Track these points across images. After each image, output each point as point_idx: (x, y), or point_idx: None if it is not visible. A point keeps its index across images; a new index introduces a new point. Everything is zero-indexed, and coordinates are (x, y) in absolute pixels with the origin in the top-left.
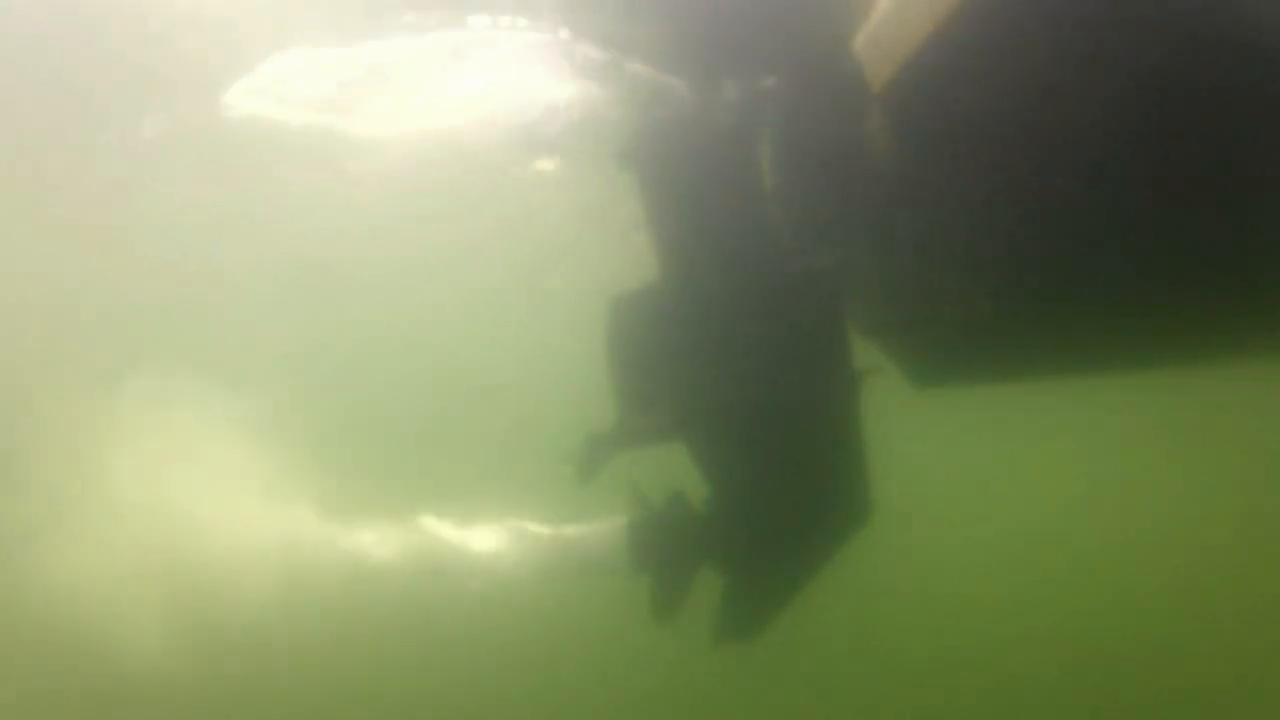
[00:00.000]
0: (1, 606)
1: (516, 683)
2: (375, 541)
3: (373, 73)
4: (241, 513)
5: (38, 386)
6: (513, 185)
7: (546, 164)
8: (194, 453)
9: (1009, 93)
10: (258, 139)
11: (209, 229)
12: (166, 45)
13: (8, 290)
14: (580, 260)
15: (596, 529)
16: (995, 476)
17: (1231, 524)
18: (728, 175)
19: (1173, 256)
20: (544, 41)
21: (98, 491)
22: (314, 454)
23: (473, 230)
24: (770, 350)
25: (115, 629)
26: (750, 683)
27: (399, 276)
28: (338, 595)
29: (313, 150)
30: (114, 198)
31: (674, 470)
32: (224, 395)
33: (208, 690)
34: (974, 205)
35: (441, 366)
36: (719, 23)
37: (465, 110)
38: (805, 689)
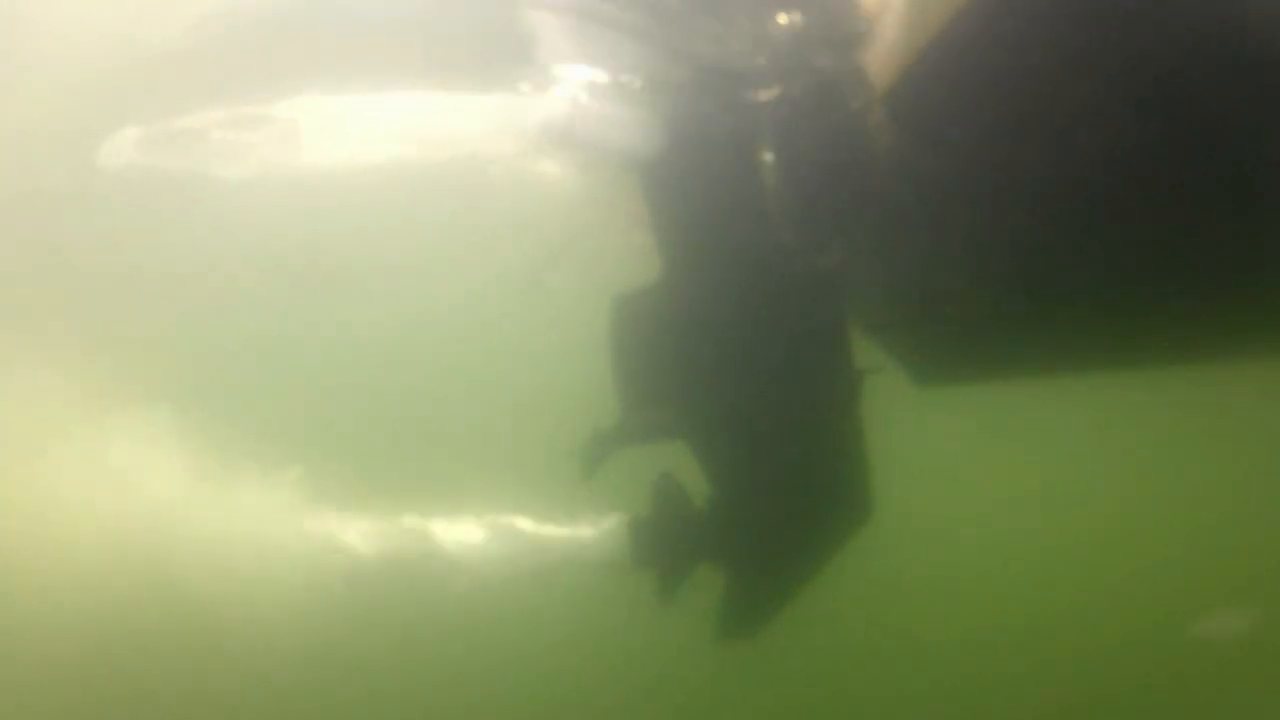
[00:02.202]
0: None
1: (516, 680)
2: (374, 538)
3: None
4: (237, 511)
5: None
6: (516, 184)
7: (551, 163)
8: (188, 449)
9: (1012, 94)
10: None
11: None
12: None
13: None
14: (583, 258)
15: (598, 526)
16: (997, 474)
17: (1241, 519)
18: (731, 174)
19: (1176, 255)
20: (552, 40)
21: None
22: (314, 454)
23: (474, 229)
24: (772, 348)
25: (92, 623)
26: (750, 681)
27: (399, 276)
28: (336, 592)
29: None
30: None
31: (676, 468)
32: (223, 396)
33: (191, 689)
34: (977, 204)
35: (443, 364)
36: (723, 24)
37: (467, 110)
38: (805, 688)
